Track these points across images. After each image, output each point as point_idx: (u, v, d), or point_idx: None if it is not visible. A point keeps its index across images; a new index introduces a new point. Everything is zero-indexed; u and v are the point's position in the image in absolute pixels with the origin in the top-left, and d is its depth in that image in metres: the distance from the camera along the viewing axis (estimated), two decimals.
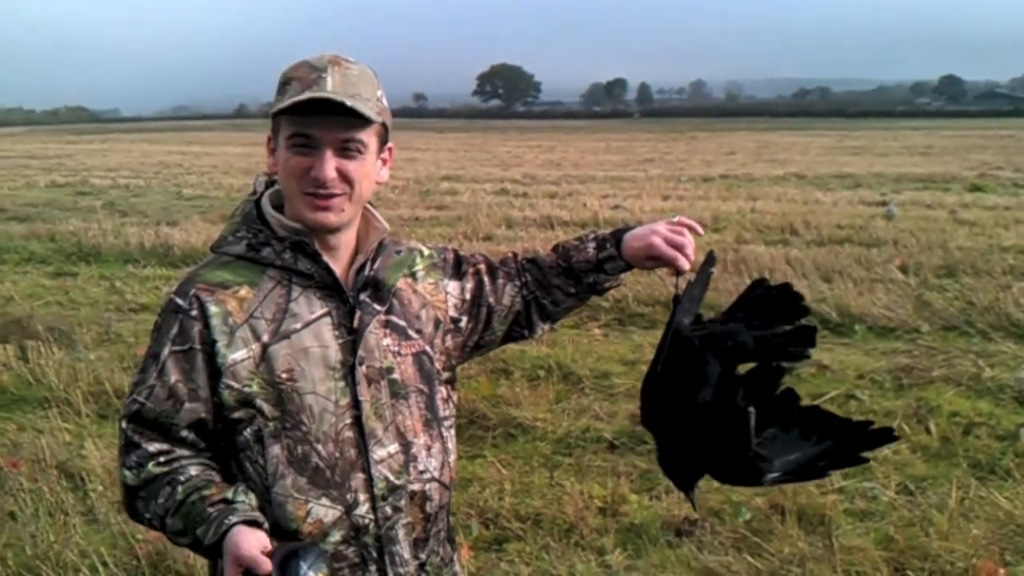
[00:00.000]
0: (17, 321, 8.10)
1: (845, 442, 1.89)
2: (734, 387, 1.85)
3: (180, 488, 1.65)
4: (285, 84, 1.70)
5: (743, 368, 1.89)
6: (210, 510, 1.60)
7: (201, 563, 3.85)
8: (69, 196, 20.67)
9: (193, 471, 1.68)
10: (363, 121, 1.69)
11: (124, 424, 1.71)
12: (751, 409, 1.78)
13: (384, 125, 1.76)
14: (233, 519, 1.57)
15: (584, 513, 4.48)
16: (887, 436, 1.90)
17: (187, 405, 1.69)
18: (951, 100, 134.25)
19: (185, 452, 1.71)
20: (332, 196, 1.71)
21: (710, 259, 1.98)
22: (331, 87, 1.66)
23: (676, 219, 1.95)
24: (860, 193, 18.47)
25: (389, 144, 1.83)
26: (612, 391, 6.35)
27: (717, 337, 1.88)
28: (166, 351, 1.69)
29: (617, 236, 1.97)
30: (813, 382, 6.38)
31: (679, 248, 1.88)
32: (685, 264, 1.88)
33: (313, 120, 1.67)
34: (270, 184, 1.85)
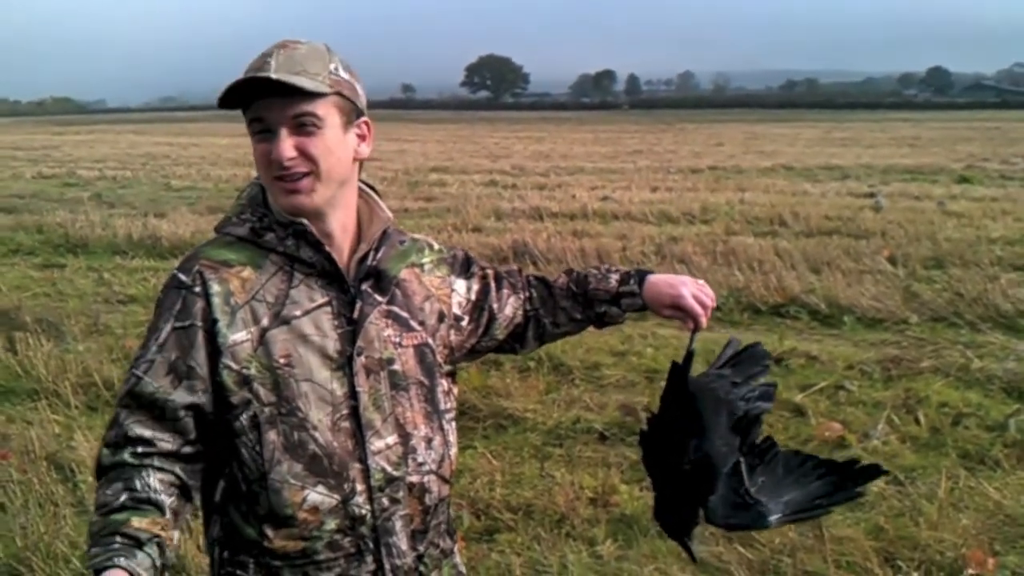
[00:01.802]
0: (5, 313, 8.07)
1: (837, 479, 1.99)
2: (735, 438, 1.95)
3: (124, 497, 1.60)
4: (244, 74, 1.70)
5: None
6: (117, 540, 1.55)
7: (192, 554, 3.86)
8: (56, 187, 20.58)
9: (151, 481, 1.63)
10: (308, 95, 1.67)
11: (122, 400, 1.69)
12: (741, 459, 1.91)
13: (343, 96, 1.73)
14: (119, 561, 1.53)
15: (575, 504, 4.48)
16: (875, 472, 2.00)
17: (184, 383, 1.68)
18: (938, 92, 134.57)
19: (166, 445, 1.67)
20: (297, 178, 1.69)
21: (729, 343, 2.15)
22: (274, 68, 1.66)
23: (701, 282, 2.05)
24: (848, 184, 18.50)
25: (363, 118, 1.81)
26: (602, 382, 6.36)
27: (719, 391, 1.97)
28: (168, 327, 1.69)
29: (641, 275, 2.04)
30: (802, 373, 6.40)
31: (704, 307, 2.00)
32: (704, 323, 2.01)
33: (260, 104, 1.68)
34: None
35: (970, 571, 3.82)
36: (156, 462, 1.66)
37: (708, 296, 2.01)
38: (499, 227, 12.97)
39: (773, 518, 1.92)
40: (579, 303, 2.05)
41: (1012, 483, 4.64)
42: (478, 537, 4.29)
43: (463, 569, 2.02)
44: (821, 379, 6.20)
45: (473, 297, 1.99)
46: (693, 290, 1.99)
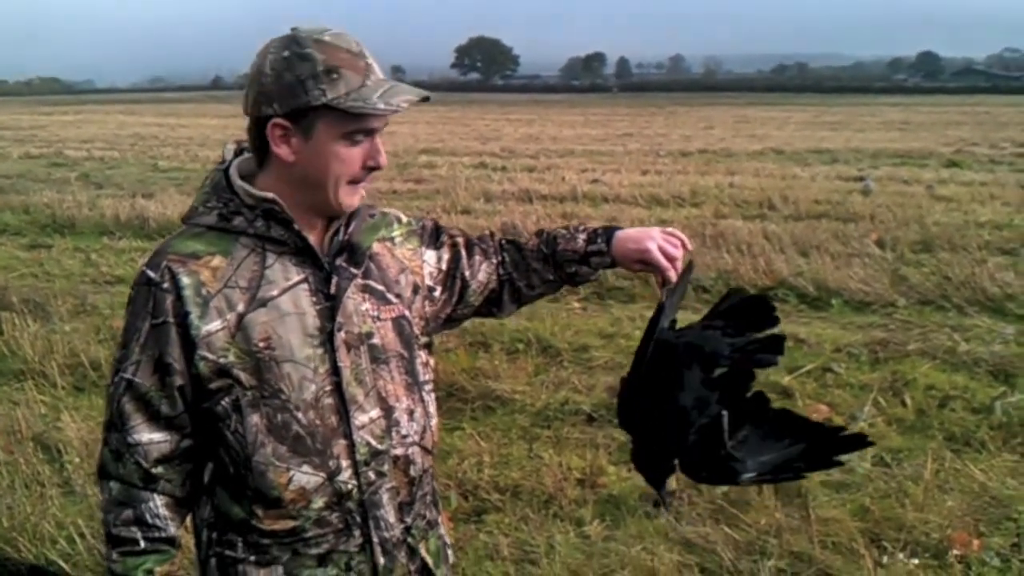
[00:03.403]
0: None
1: (819, 445, 1.97)
2: (710, 392, 1.94)
3: (138, 534, 1.72)
4: (331, 73, 1.61)
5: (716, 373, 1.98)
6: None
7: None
8: (43, 168, 20.47)
9: (160, 510, 1.73)
10: None
11: (115, 404, 1.70)
12: (724, 412, 1.89)
13: None
14: None
15: (563, 484, 4.50)
16: (860, 442, 1.99)
17: (168, 379, 1.68)
18: (928, 76, 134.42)
19: (165, 446, 1.71)
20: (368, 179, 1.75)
21: (689, 267, 2.07)
22: (378, 71, 1.68)
23: (670, 230, 2.02)
24: (838, 168, 18.51)
25: None
26: (590, 364, 6.37)
27: (695, 344, 1.96)
28: (146, 325, 1.68)
29: (609, 233, 2.02)
30: (790, 355, 6.40)
31: (672, 260, 1.97)
32: (674, 276, 1.98)
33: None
34: (238, 153, 1.82)
35: (955, 552, 3.85)
36: (161, 479, 1.72)
37: (675, 246, 1.99)
38: (488, 209, 12.95)
39: (746, 476, 1.93)
40: (550, 264, 2.05)
41: (997, 465, 4.66)
42: (466, 518, 4.30)
43: (448, 540, 2.05)
44: (809, 361, 6.21)
45: (444, 267, 1.99)
46: (660, 242, 1.97)
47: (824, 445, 1.97)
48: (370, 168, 1.72)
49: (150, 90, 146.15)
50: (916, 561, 3.81)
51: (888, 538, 3.97)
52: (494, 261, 2.05)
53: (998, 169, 18.05)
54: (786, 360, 6.23)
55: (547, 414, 5.48)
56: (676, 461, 1.98)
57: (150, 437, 1.70)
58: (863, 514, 4.19)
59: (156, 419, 1.70)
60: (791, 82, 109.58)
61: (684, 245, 2.01)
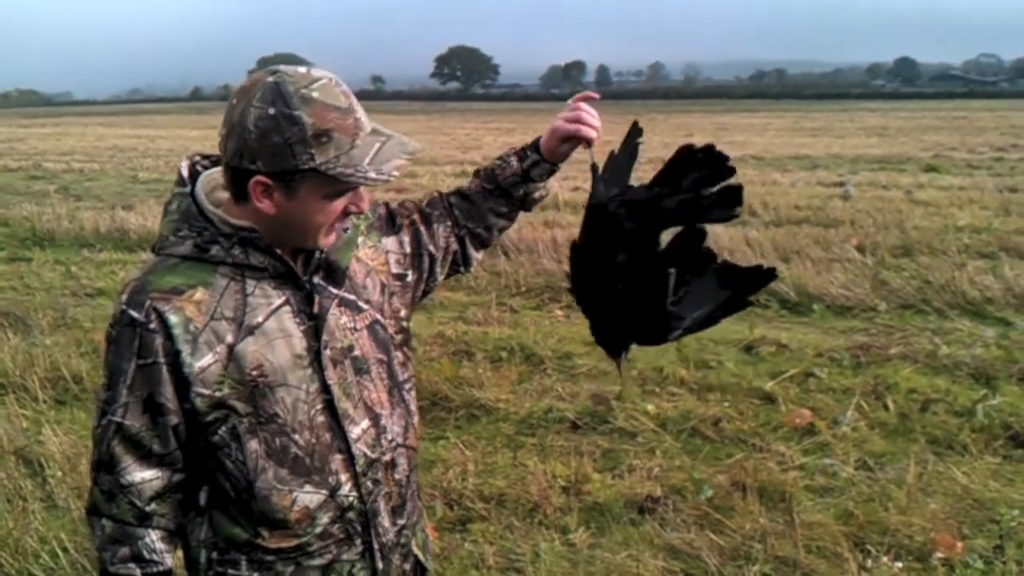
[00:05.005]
0: None
1: (740, 289, 1.98)
2: (654, 250, 1.93)
3: (137, 572, 1.71)
4: (320, 137, 1.56)
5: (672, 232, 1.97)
6: None
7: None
8: (22, 180, 20.34)
9: (155, 544, 1.72)
10: None
11: (104, 446, 1.67)
12: (671, 270, 1.87)
13: None
14: None
15: (548, 492, 4.49)
16: (769, 275, 1.98)
17: (161, 419, 1.66)
18: (906, 82, 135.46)
19: (158, 483, 1.70)
20: None
21: (635, 130, 2.09)
22: (366, 124, 1.64)
23: (569, 103, 2.01)
24: (817, 174, 18.60)
25: None
26: (574, 371, 6.37)
27: (636, 202, 1.94)
28: (132, 366, 1.64)
29: (534, 143, 2.04)
30: (772, 361, 6.44)
31: (578, 121, 1.95)
32: (589, 132, 1.96)
33: None
34: (193, 169, 1.77)
35: (939, 555, 3.86)
36: (156, 515, 1.71)
37: (579, 109, 1.97)
38: None
39: (674, 334, 1.93)
40: (497, 196, 2.06)
41: (980, 468, 4.69)
42: (451, 527, 4.29)
43: (428, 531, 2.09)
44: (791, 367, 6.24)
45: (408, 249, 1.98)
46: (566, 116, 1.98)
47: (745, 286, 1.99)
48: (351, 213, 1.70)
49: (129, 102, 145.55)
50: (900, 564, 3.82)
51: (872, 542, 3.98)
52: (448, 223, 2.04)
53: (976, 173, 18.19)
54: (769, 365, 6.28)
55: (531, 422, 5.47)
56: (625, 324, 2.00)
57: (142, 476, 1.68)
58: (847, 518, 4.21)
59: (148, 458, 1.68)
60: (770, 89, 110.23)
61: (588, 98, 2.00)
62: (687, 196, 1.94)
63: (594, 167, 1.99)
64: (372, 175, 1.60)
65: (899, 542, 3.97)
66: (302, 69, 1.62)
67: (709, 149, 1.98)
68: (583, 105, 1.98)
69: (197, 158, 1.79)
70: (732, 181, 1.95)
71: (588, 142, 1.97)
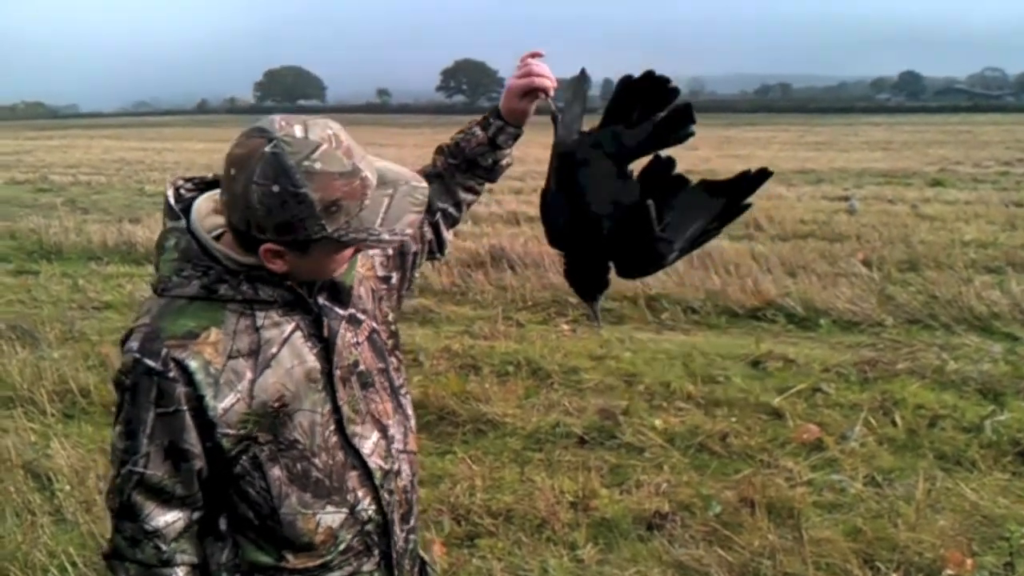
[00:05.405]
0: None
1: (732, 198, 2.01)
2: (627, 184, 1.98)
3: None
4: (329, 208, 1.54)
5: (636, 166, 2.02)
6: None
7: None
8: (29, 193, 20.39)
9: None
10: None
11: (125, 496, 1.66)
12: (649, 202, 1.88)
13: None
14: None
15: (555, 508, 4.48)
16: (763, 175, 1.99)
17: (184, 465, 1.65)
18: (911, 96, 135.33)
19: (180, 524, 1.69)
20: None
21: (581, 76, 2.11)
22: (372, 178, 1.60)
23: (518, 63, 2.05)
24: (823, 188, 18.59)
25: None
26: (581, 386, 6.36)
27: (599, 142, 1.99)
28: (151, 415, 1.61)
29: (493, 111, 2.07)
30: (779, 376, 6.43)
31: (529, 74, 1.99)
32: (542, 82, 2.00)
33: None
34: (179, 193, 1.74)
35: (948, 572, 3.85)
36: (178, 553, 1.70)
37: (526, 65, 2.01)
38: (476, 232, 12.94)
39: (671, 256, 1.95)
40: (464, 170, 2.09)
41: (989, 484, 4.68)
42: (459, 543, 4.28)
43: (435, 547, 2.16)
44: (798, 382, 6.22)
45: (390, 251, 1.99)
46: (516, 76, 2.01)
47: (737, 195, 2.00)
48: (361, 250, 1.73)
49: (135, 114, 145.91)
50: None
51: (881, 558, 3.98)
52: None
53: (981, 187, 18.16)
54: (776, 381, 6.27)
55: (538, 437, 5.46)
56: (609, 275, 2.02)
57: (166, 520, 1.67)
58: (856, 534, 4.19)
59: (170, 501, 1.67)
60: (775, 103, 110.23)
61: (535, 55, 2.03)
62: (645, 127, 2.00)
63: (554, 116, 2.02)
64: (386, 237, 1.61)
65: (908, 559, 3.96)
66: (298, 129, 1.54)
67: (649, 75, 2.02)
68: (531, 60, 2.01)
69: (180, 182, 1.76)
70: (679, 102, 2.00)
71: (544, 92, 2.00)
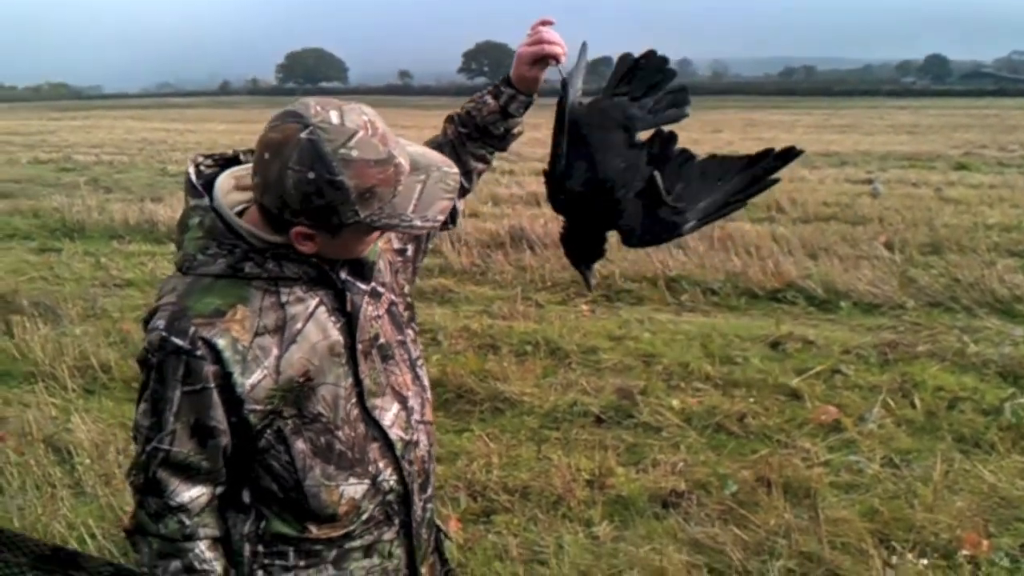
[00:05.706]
0: (2, 297, 8.08)
1: (754, 172, 2.03)
2: (637, 155, 2.00)
3: None
4: (364, 195, 1.54)
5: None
6: None
7: None
8: (52, 172, 20.51)
9: (205, 554, 1.70)
10: None
11: (150, 473, 1.66)
12: (655, 172, 1.93)
13: None
14: None
15: (571, 485, 4.50)
16: (792, 153, 2.02)
17: (210, 442, 1.66)
18: (936, 79, 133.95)
19: (204, 498, 1.70)
20: None
21: (582, 48, 2.13)
22: (405, 164, 1.60)
23: (530, 31, 2.04)
24: (846, 171, 18.45)
25: None
26: (599, 366, 6.36)
27: (610, 112, 2.03)
28: (177, 394, 1.61)
29: (504, 79, 2.08)
30: (799, 357, 6.41)
31: (540, 41, 1.98)
32: (554, 49, 2.00)
33: None
34: (199, 170, 1.74)
35: (965, 553, 3.84)
36: (201, 527, 1.71)
37: (537, 33, 2.00)
38: (496, 213, 12.93)
39: (687, 226, 1.96)
40: (475, 139, 2.09)
41: (1007, 466, 4.66)
42: (475, 518, 4.31)
43: (451, 522, 2.17)
44: (818, 363, 6.21)
45: None
46: (526, 43, 2.00)
47: (759, 169, 2.03)
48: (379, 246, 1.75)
49: (158, 95, 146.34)
50: (925, 561, 3.80)
51: (897, 539, 3.97)
52: None
53: (1007, 171, 17.99)
54: (795, 362, 6.26)
55: (556, 416, 5.47)
56: (606, 244, 2.06)
57: (190, 495, 1.68)
58: (872, 515, 4.19)
59: (195, 477, 1.68)
60: (799, 86, 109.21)
61: (544, 23, 2.02)
62: (647, 101, 2.04)
63: (564, 83, 2.02)
64: (417, 223, 1.61)
65: (924, 539, 3.95)
66: (334, 115, 1.54)
67: (650, 55, 2.08)
68: (541, 28, 2.00)
69: (200, 159, 1.76)
70: (676, 84, 2.06)
71: (555, 59, 2.00)
